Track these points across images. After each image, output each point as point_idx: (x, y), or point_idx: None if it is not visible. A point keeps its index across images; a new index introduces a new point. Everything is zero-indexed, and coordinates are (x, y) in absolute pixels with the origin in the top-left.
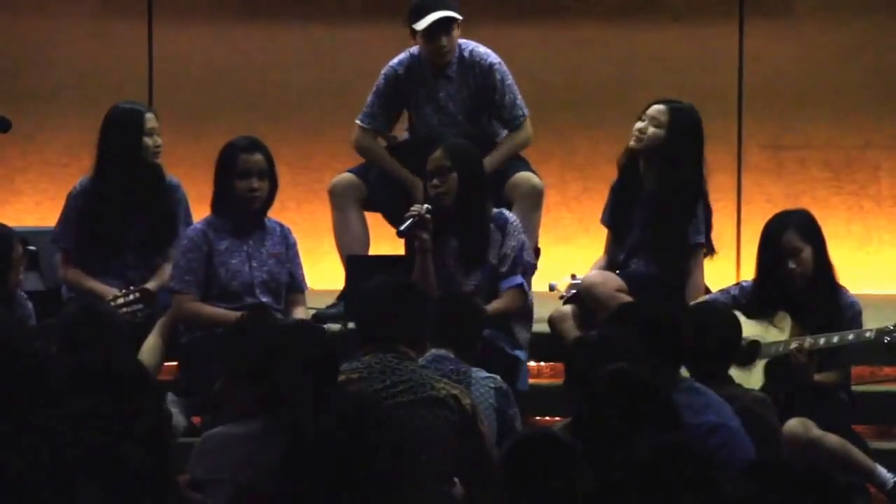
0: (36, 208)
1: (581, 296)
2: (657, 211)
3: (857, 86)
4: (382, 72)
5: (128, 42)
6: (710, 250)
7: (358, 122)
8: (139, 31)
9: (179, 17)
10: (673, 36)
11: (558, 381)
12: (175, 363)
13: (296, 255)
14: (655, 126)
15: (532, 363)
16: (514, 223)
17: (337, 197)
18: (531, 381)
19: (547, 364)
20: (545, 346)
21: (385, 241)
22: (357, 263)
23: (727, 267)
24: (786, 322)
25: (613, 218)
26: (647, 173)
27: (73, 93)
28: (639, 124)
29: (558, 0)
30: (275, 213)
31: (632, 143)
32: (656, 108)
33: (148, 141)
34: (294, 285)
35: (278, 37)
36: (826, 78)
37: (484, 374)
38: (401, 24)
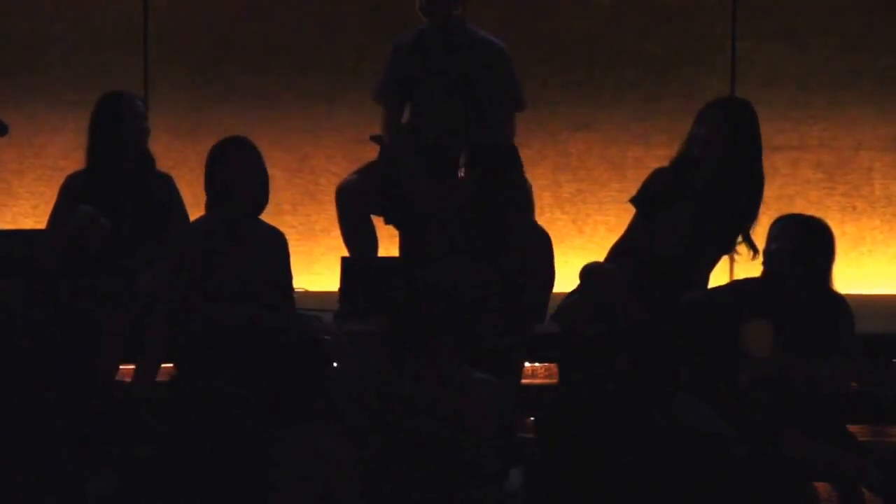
0: (33, 211)
1: (585, 285)
2: (717, 202)
3: (849, 87)
4: (392, 45)
5: (124, 45)
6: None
7: (374, 99)
8: (136, 34)
9: (175, 19)
10: (666, 36)
11: (553, 381)
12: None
13: (286, 260)
14: (716, 131)
15: (527, 364)
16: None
17: (344, 202)
18: (526, 381)
19: (542, 364)
20: (540, 347)
21: (382, 242)
22: (352, 266)
23: (720, 268)
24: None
25: (651, 201)
26: (706, 166)
27: (70, 96)
28: (698, 130)
29: (550, 2)
30: (270, 215)
31: (696, 151)
32: (713, 113)
33: (135, 124)
34: (283, 291)
35: (275, 40)
36: (819, 79)
37: (479, 374)
38: (400, 29)
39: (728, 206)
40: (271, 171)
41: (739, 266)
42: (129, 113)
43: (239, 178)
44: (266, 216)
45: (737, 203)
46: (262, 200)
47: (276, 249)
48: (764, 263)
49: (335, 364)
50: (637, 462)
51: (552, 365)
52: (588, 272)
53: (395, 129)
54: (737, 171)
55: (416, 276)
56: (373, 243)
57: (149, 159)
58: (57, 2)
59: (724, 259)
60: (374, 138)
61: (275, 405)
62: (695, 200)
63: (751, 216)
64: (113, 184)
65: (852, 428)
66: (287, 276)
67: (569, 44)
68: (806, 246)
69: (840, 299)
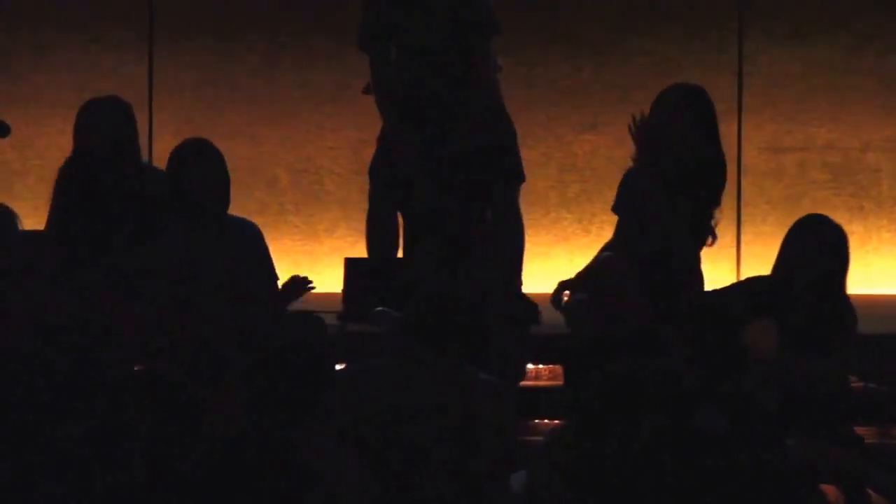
0: (34, 212)
1: (589, 280)
2: (684, 193)
3: (856, 87)
4: None
5: (127, 47)
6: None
7: (360, 50)
8: (139, 36)
9: (179, 21)
10: (672, 38)
11: (557, 383)
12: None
13: (264, 249)
14: (678, 115)
15: (530, 365)
16: None
17: (375, 177)
18: (530, 383)
19: (546, 366)
20: (544, 349)
21: None
22: (355, 266)
23: (727, 268)
24: (771, 329)
25: (626, 204)
26: (666, 157)
27: (73, 98)
28: (659, 116)
29: (557, 4)
30: (273, 215)
31: (662, 137)
32: (670, 99)
33: (98, 134)
34: (266, 279)
35: (279, 41)
36: (825, 80)
37: (483, 374)
38: None
39: (704, 190)
40: (275, 171)
41: (745, 265)
42: (85, 125)
43: (196, 179)
44: (269, 216)
45: (713, 187)
46: (221, 200)
47: (249, 240)
48: (775, 268)
49: (337, 365)
50: (642, 463)
51: (556, 367)
52: (601, 264)
53: (382, 75)
54: (706, 155)
55: (422, 279)
56: (394, 237)
57: (134, 156)
58: (60, 3)
59: (731, 258)
60: (366, 90)
61: (275, 407)
62: (680, 192)
63: (718, 200)
64: (106, 187)
65: (859, 430)
66: (268, 263)
67: (575, 45)
68: (819, 255)
69: (846, 302)
